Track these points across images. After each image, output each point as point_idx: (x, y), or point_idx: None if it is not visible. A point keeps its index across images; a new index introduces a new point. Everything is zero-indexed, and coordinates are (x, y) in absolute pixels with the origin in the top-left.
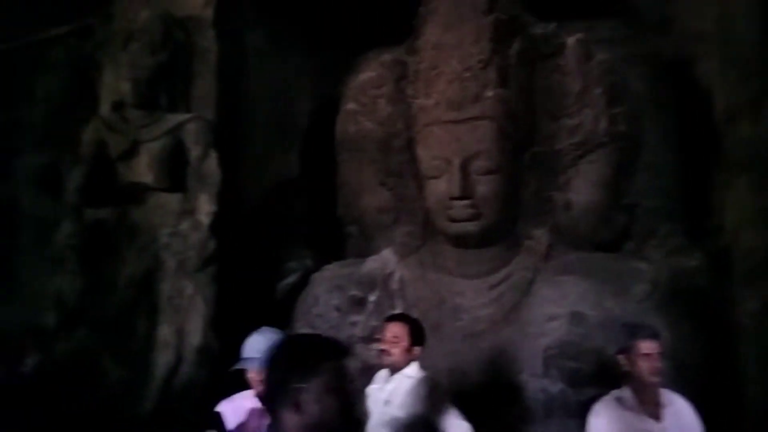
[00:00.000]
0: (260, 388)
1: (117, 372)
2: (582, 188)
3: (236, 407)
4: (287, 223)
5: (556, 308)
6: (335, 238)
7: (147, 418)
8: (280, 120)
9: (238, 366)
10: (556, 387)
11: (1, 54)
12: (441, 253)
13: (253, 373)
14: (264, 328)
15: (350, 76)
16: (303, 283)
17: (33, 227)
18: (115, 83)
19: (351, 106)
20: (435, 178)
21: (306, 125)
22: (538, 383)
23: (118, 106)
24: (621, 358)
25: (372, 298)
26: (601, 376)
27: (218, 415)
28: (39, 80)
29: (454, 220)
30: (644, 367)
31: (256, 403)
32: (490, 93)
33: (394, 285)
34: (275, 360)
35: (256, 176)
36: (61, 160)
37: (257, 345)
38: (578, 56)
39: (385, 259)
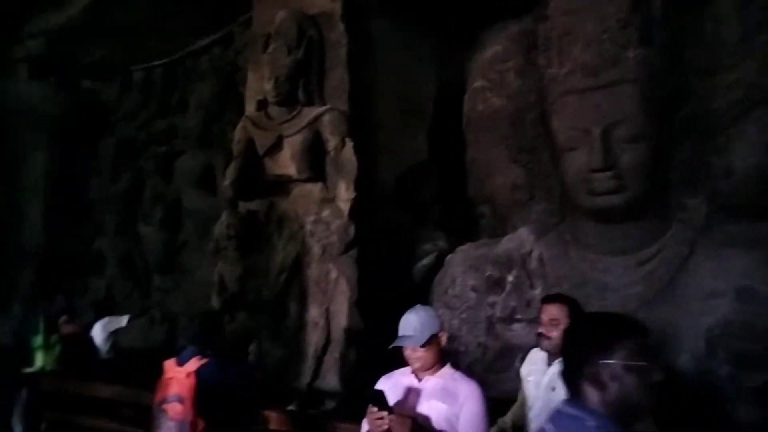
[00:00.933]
0: (417, 365)
1: (275, 351)
2: (745, 151)
3: (395, 384)
4: (419, 206)
5: (719, 284)
6: (467, 219)
7: (304, 393)
8: (407, 105)
9: (395, 344)
10: (723, 370)
11: (161, 68)
12: (582, 230)
13: (410, 351)
14: (418, 307)
15: (476, 53)
16: (438, 264)
17: (194, 221)
18: (258, 84)
19: (478, 83)
20: (573, 150)
21: (432, 108)
22: (702, 366)
23: (262, 104)
24: None
25: (510, 278)
26: None
27: (381, 394)
28: (191, 89)
29: (595, 194)
30: None
31: (413, 381)
32: (630, 54)
33: (533, 264)
34: (576, 336)
35: (387, 162)
36: (214, 160)
37: (412, 323)
38: (735, 1)
39: (522, 238)
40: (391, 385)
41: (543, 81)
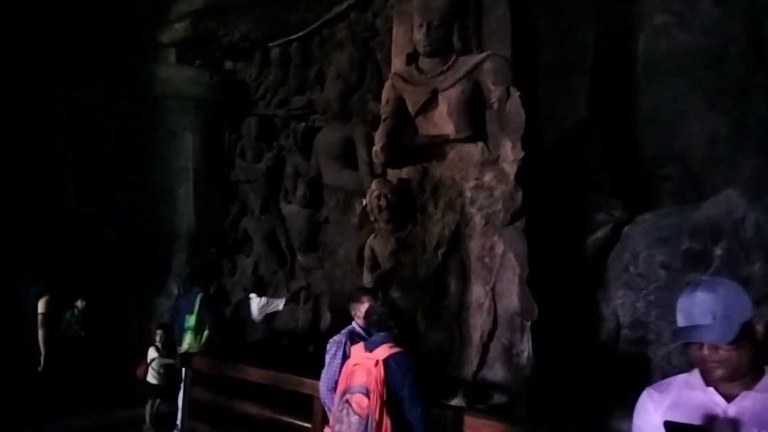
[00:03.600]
0: (720, 372)
1: (433, 335)
2: None
3: (677, 402)
4: (583, 170)
5: None
6: (643, 184)
7: (469, 385)
8: (564, 56)
9: (684, 339)
10: None
11: (298, 42)
12: None
13: (707, 349)
14: (712, 281)
15: None
16: (614, 237)
17: (335, 197)
18: (406, 35)
19: (660, 18)
20: None
21: (593, 59)
22: None
23: (411, 58)
24: None
25: (718, 251)
26: None
27: None
28: (327, 61)
29: None
30: None
31: (714, 398)
32: None
33: (749, 233)
34: None
35: (545, 121)
36: (354, 132)
37: (708, 306)
38: None
39: (730, 202)
40: (672, 404)
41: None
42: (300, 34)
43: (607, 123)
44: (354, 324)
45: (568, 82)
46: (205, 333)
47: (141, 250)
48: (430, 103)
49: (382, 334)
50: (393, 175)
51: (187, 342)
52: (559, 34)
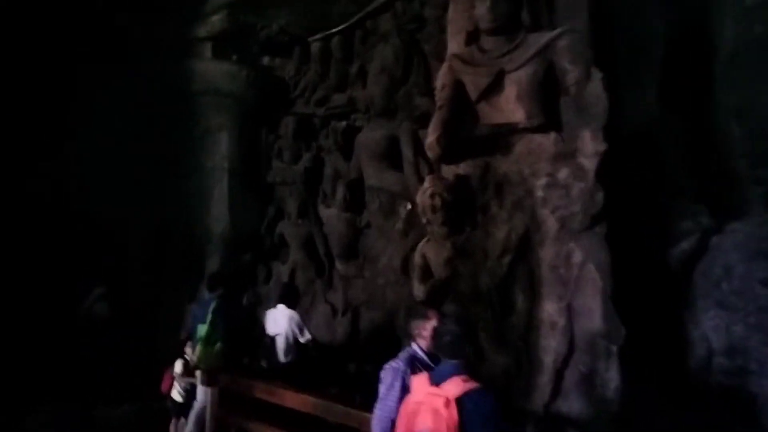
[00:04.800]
0: None
1: (496, 358)
2: None
3: None
4: (665, 171)
5: None
6: (730, 187)
7: (539, 418)
8: (633, 45)
9: None
10: None
11: (339, 36)
12: None
13: None
14: None
15: None
16: (701, 248)
17: (378, 200)
18: (464, 14)
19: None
20: None
21: (664, 46)
22: None
23: (472, 37)
24: None
25: None
26: None
27: None
28: (370, 56)
29: None
30: None
31: None
32: None
33: None
34: None
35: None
36: (398, 130)
37: None
38: None
39: None
40: None
41: None
42: (341, 27)
43: (685, 118)
44: (415, 346)
45: (638, 73)
46: (217, 345)
47: (172, 254)
48: (495, 86)
49: (452, 362)
50: (449, 171)
51: (197, 355)
52: (630, 20)
